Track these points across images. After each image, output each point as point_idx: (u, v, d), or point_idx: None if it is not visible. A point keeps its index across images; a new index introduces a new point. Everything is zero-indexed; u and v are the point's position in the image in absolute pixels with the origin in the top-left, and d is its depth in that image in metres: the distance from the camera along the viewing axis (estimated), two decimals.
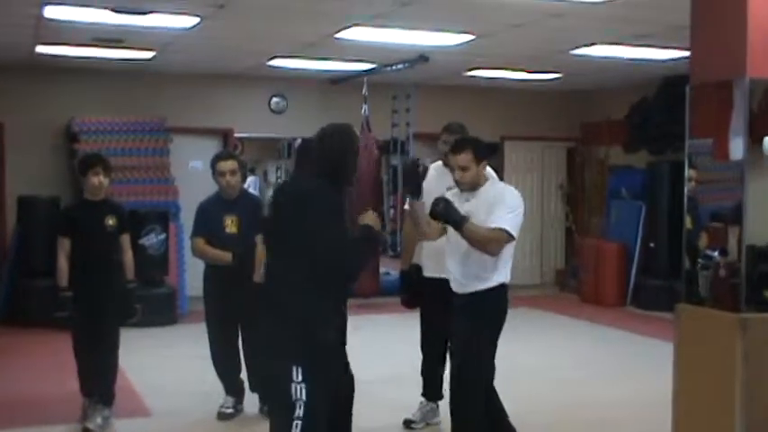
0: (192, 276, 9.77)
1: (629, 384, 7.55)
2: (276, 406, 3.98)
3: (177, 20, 7.84)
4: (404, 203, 6.14)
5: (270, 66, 10.76)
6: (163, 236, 10.19)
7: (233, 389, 6.43)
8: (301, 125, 12.42)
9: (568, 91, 13.19)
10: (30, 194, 10.43)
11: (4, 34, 8.74)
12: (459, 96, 12.46)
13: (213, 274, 6.32)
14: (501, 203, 4.77)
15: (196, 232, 6.32)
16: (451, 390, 4.95)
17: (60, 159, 11.00)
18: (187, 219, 8.41)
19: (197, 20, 7.82)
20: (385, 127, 11.80)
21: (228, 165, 6.22)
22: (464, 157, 4.75)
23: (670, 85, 10.89)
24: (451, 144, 5.10)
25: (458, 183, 4.79)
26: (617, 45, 9.08)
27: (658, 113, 11.25)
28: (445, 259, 5.02)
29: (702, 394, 4.58)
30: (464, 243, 4.74)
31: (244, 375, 6.43)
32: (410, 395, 6.22)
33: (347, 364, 4.52)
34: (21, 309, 9.98)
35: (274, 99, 12.25)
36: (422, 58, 9.73)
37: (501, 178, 5.83)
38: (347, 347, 4.68)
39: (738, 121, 4.43)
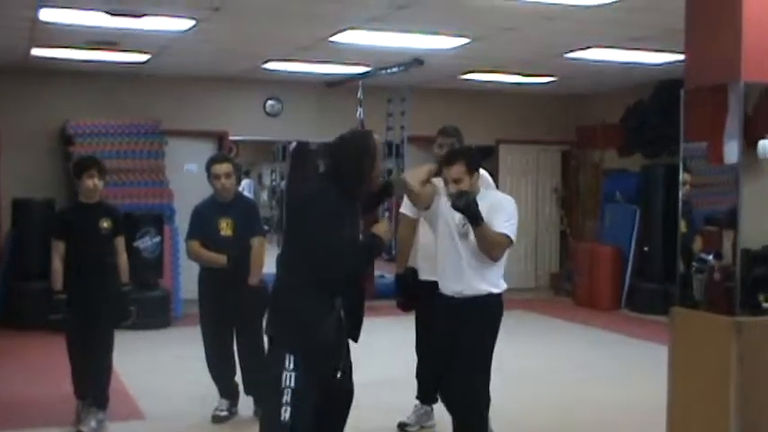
0: (186, 279, 9.78)
1: (624, 387, 7.55)
2: (268, 392, 4.17)
3: (172, 23, 7.84)
4: (399, 207, 6.14)
5: (265, 69, 10.76)
6: (157, 239, 10.18)
7: (227, 392, 6.42)
8: (296, 128, 12.48)
9: (563, 94, 13.20)
10: (24, 197, 10.42)
11: None
12: (455, 100, 12.47)
13: (208, 276, 6.31)
14: (500, 211, 4.77)
15: (191, 235, 6.31)
16: (453, 395, 4.94)
17: (55, 162, 10.98)
18: (182, 222, 8.40)
19: (192, 23, 7.82)
20: (380, 130, 11.77)
21: (223, 168, 6.22)
22: (457, 169, 4.73)
23: (665, 88, 10.90)
24: (443, 157, 5.08)
25: (450, 196, 4.77)
26: (612, 48, 9.10)
27: (653, 117, 11.26)
28: (437, 262, 5.01)
29: (697, 397, 4.59)
30: (465, 248, 4.75)
31: (238, 378, 6.43)
32: (405, 398, 6.21)
33: (350, 367, 4.50)
34: (15, 311, 9.95)
35: (269, 102, 12.24)
36: (417, 61, 9.73)
37: (496, 182, 5.81)
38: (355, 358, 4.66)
39: (733, 124, 4.44)
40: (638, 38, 8.43)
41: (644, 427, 6.04)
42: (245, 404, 6.41)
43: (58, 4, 7.18)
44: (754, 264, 4.48)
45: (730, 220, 4.46)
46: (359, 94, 11.16)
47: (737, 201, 4.41)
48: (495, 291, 4.85)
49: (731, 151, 4.46)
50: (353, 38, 8.49)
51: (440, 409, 5.56)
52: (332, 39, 8.58)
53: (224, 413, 6.36)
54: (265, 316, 4.31)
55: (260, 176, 21.75)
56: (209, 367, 6.42)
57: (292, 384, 4.01)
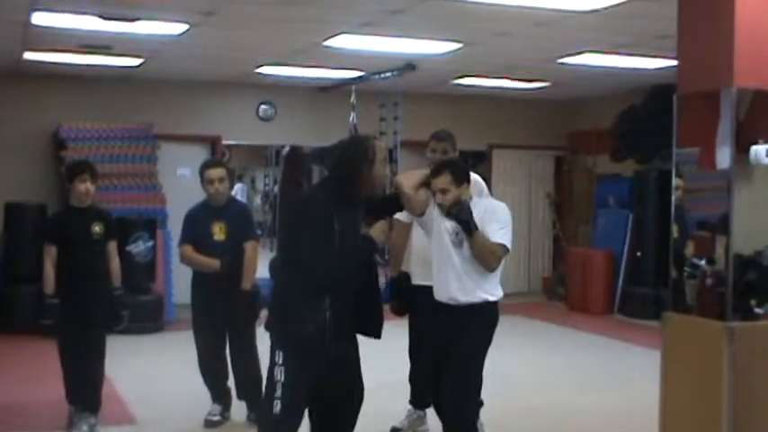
0: (179, 284, 9.75)
1: (616, 392, 7.57)
2: (265, 387, 4.31)
3: (165, 27, 7.83)
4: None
5: (258, 73, 10.76)
6: (150, 243, 10.16)
7: (220, 396, 6.41)
8: (289, 133, 12.48)
9: (556, 99, 13.23)
10: (17, 201, 10.38)
11: None
12: (447, 104, 12.48)
13: (201, 281, 6.30)
14: (494, 219, 4.77)
15: (184, 239, 6.30)
16: (445, 401, 4.94)
17: (47, 166, 10.96)
18: (175, 226, 8.39)
19: (185, 27, 7.81)
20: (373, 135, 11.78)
21: (217, 172, 6.21)
22: (443, 180, 4.73)
23: (658, 93, 10.92)
24: (431, 169, 5.08)
25: (439, 206, 4.77)
26: (604, 54, 9.12)
27: (646, 122, 11.28)
28: (432, 269, 5.01)
29: (689, 402, 4.60)
30: (460, 256, 4.75)
31: (231, 383, 6.42)
32: (397, 403, 6.21)
33: (349, 366, 4.49)
34: (7, 316, 9.91)
35: (262, 106, 12.23)
36: (410, 66, 9.75)
37: (489, 187, 5.82)
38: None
39: (725, 130, 4.45)
40: (631, 43, 8.45)
41: None
42: (238, 409, 6.40)
43: (50, 8, 7.17)
44: (746, 269, 4.50)
45: (722, 225, 4.47)
46: (352, 99, 11.17)
47: (729, 206, 4.42)
48: (492, 298, 4.84)
49: (723, 157, 4.48)
50: (347, 42, 8.49)
51: (432, 413, 5.56)
52: (325, 43, 8.59)
53: (216, 418, 6.34)
54: (258, 320, 4.39)
55: (253, 181, 21.69)
56: (201, 372, 6.40)
57: (282, 379, 4.14)
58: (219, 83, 11.64)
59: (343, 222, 4.13)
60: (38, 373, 7.80)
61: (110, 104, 11.16)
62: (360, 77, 10.85)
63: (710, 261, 4.55)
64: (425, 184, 4.76)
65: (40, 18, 7.49)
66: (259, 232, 10.30)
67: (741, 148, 4.44)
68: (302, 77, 11.07)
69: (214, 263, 6.12)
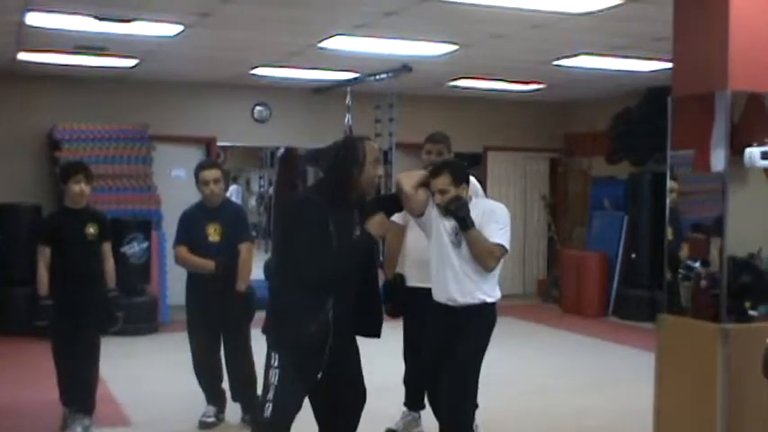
0: (173, 285, 9.73)
1: (611, 394, 7.57)
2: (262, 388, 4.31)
3: (161, 28, 7.82)
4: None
5: (253, 74, 10.75)
6: (145, 244, 10.15)
7: (215, 398, 6.40)
8: (284, 134, 12.48)
9: (551, 101, 13.24)
10: (11, 202, 10.35)
11: None
12: (443, 106, 12.49)
13: (195, 282, 6.29)
14: (492, 220, 4.78)
15: (179, 241, 6.29)
16: (442, 402, 4.94)
17: (42, 167, 10.94)
18: (169, 227, 8.38)
19: (180, 28, 7.80)
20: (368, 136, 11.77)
21: (212, 174, 6.20)
22: (442, 180, 4.73)
23: (653, 96, 10.94)
24: (430, 170, 5.09)
25: (438, 206, 4.78)
26: (600, 56, 9.12)
27: (641, 124, 11.30)
28: (430, 270, 5.01)
29: (683, 404, 4.60)
30: (459, 257, 4.75)
31: (225, 385, 6.41)
32: (392, 404, 6.21)
33: (350, 366, 4.48)
34: (1, 317, 9.88)
35: (257, 108, 12.22)
36: (405, 68, 9.74)
37: (484, 189, 5.82)
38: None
39: (720, 132, 4.46)
40: (627, 46, 8.46)
41: None
42: (233, 411, 6.39)
43: (45, 9, 7.16)
44: (740, 271, 4.51)
45: (717, 227, 4.49)
46: (347, 101, 11.16)
47: (724, 208, 4.43)
48: (490, 300, 4.84)
49: (718, 159, 4.49)
50: (342, 44, 8.49)
51: (427, 415, 5.56)
52: (320, 45, 8.58)
53: (211, 419, 6.33)
54: (253, 321, 4.38)
55: (248, 182, 21.68)
56: (196, 373, 6.40)
57: (276, 381, 4.13)
58: (214, 84, 11.64)
59: (338, 224, 4.14)
60: (32, 374, 7.79)
61: (104, 105, 11.14)
62: (355, 79, 10.84)
63: (705, 263, 4.56)
64: (425, 184, 4.76)
65: (34, 18, 7.47)
66: (254, 234, 10.25)
67: (735, 150, 4.45)
68: (297, 79, 11.06)
69: (209, 264, 6.11)
